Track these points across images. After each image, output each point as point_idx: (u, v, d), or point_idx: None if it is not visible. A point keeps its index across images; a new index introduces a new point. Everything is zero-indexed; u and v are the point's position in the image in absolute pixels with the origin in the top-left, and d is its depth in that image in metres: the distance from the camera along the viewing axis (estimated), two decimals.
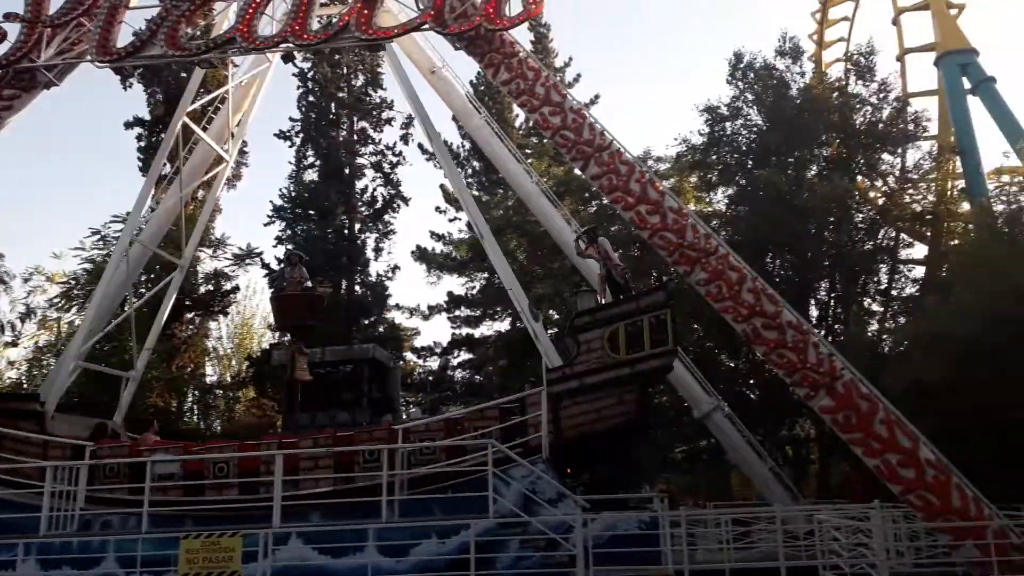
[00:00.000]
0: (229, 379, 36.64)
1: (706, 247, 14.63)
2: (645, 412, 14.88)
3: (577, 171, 22.83)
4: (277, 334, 37.49)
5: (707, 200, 27.62)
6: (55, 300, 30.11)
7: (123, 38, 17.36)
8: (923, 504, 12.80)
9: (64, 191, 74.49)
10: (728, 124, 25.22)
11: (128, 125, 33.38)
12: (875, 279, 24.76)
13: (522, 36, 35.31)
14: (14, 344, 30.06)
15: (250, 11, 16.57)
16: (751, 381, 25.29)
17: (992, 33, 54.76)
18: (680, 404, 22.75)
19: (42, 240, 64.04)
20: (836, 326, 24.05)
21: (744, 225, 23.82)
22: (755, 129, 25.12)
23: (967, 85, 27.58)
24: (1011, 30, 67.77)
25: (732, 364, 25.36)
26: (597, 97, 35.10)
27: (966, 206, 24.70)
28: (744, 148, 24.91)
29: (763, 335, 14.04)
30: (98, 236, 29.37)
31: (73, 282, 29.42)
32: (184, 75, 32.71)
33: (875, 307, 25.18)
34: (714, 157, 25.37)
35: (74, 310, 29.70)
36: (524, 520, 12.23)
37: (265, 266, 34.09)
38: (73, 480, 13.19)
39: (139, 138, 33.42)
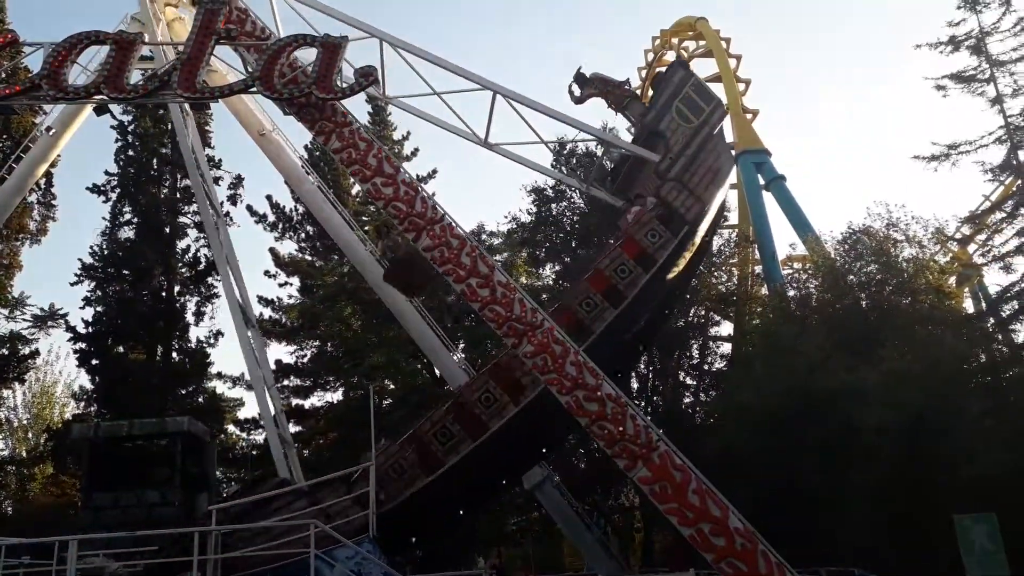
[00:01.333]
0: (24, 454, 32.88)
1: (532, 321, 14.92)
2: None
3: None
4: (82, 404, 34.22)
5: (537, 274, 28.58)
6: None
7: None
8: (734, 571, 13.36)
9: None
10: (554, 205, 26.63)
11: None
12: (688, 354, 26.43)
13: (361, 108, 35.51)
14: None
15: (59, 58, 15.39)
16: (580, 451, 25.89)
17: (781, 135, 61.66)
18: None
19: None
20: (655, 398, 25.30)
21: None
22: (578, 212, 26.59)
23: (761, 181, 30.62)
24: (797, 134, 76.60)
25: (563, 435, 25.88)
26: (435, 171, 35.42)
27: (764, 290, 27.06)
28: (568, 228, 26.28)
29: (585, 407, 14.37)
30: None
31: None
32: None
33: (688, 380, 26.80)
34: (541, 236, 26.52)
35: None
36: None
37: (70, 328, 31.14)
38: None
39: None
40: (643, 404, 24.03)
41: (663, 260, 17.02)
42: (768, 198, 30.74)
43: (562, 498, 19.64)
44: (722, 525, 13.66)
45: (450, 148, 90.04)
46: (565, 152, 26.87)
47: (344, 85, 15.75)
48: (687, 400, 25.97)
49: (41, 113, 21.25)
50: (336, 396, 31.81)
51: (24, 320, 30.27)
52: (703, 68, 34.74)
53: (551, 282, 27.55)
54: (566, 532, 21.00)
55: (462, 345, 25.88)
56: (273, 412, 19.49)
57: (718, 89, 33.37)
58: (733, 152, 23.42)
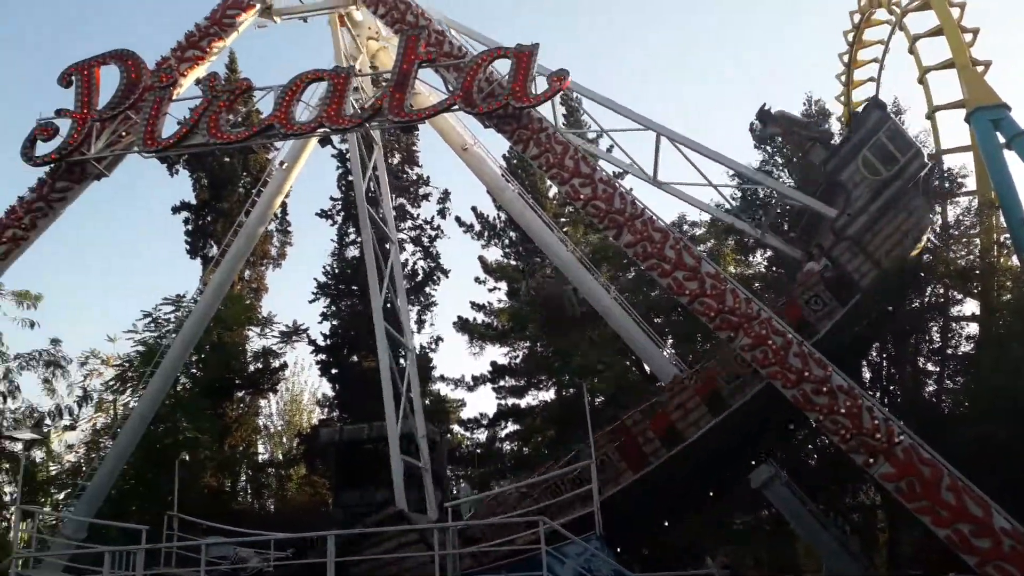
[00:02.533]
0: (280, 457, 36.77)
1: (747, 312, 14.29)
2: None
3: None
4: (326, 410, 37.92)
5: (747, 263, 27.29)
6: (110, 383, 30.79)
7: (168, 128, 18.00)
8: None
9: (116, 275, 77.12)
10: (760, 188, 25.19)
11: (175, 210, 34.66)
12: (927, 338, 23.91)
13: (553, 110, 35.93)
14: (72, 428, 30.65)
15: (287, 99, 17.12)
16: (809, 447, 24.38)
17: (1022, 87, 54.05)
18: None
19: (98, 324, 66.14)
20: (891, 388, 23.17)
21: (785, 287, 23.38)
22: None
23: (1001, 139, 27.04)
24: None
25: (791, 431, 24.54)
26: (633, 164, 35.07)
27: (1015, 260, 23.90)
28: (779, 210, 24.75)
29: (814, 401, 13.55)
30: (149, 319, 30.18)
31: (127, 365, 30.09)
32: (227, 160, 34.24)
33: (930, 367, 24.24)
34: (748, 221, 25.19)
35: (128, 392, 30.33)
36: None
37: (312, 342, 34.55)
38: None
39: (186, 222, 34.66)
40: (878, 395, 22.08)
41: (824, 332, 15.41)
42: (1011, 157, 27.12)
43: (793, 496, 18.54)
44: (985, 525, 12.31)
45: (645, 141, 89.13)
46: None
47: (538, 92, 16.08)
48: (930, 388, 23.45)
49: (273, 149, 23.77)
50: (549, 395, 32.52)
51: (273, 336, 34.03)
52: (921, 23, 31.43)
53: (763, 269, 26.18)
54: (799, 532, 19.80)
55: (671, 340, 25.38)
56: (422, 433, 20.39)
57: (939, 43, 30.05)
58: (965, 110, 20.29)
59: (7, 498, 26.76)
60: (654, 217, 15.34)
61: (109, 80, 18.39)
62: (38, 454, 28.87)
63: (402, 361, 34.91)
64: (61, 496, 27.79)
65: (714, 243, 27.65)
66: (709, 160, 17.99)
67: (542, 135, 16.25)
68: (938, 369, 24.48)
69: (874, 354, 23.60)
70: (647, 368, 25.21)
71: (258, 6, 19.92)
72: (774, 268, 25.35)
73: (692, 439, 15.01)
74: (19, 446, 24.76)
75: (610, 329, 21.91)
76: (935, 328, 24.27)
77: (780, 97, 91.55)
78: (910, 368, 23.81)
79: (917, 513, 12.91)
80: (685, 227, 27.89)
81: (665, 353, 21.11)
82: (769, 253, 25.84)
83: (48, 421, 28.44)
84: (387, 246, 22.69)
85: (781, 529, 24.06)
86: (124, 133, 18.05)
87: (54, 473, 28.90)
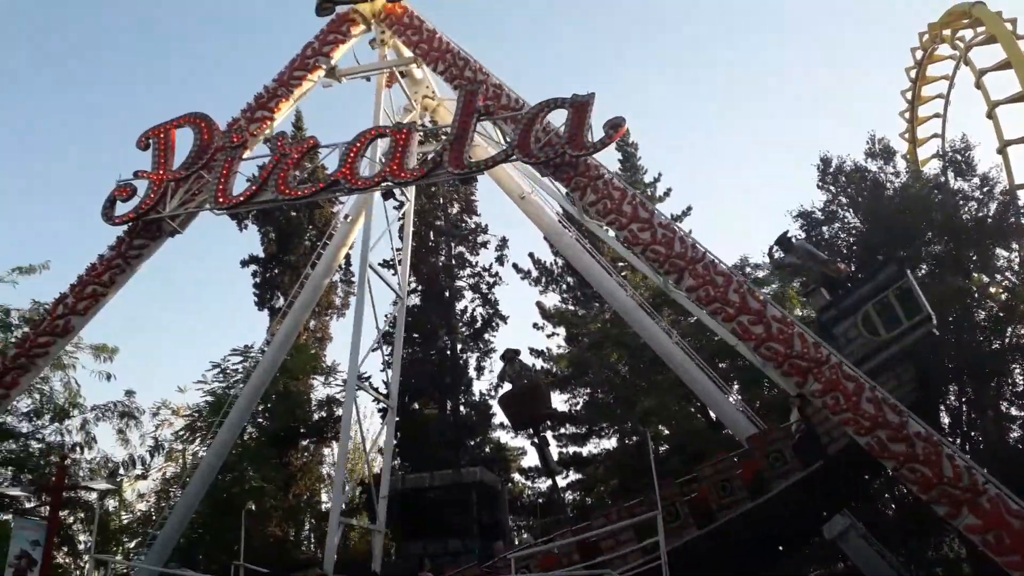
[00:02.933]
0: (343, 506, 36.87)
1: (816, 356, 13.90)
2: (927, 390, 14.61)
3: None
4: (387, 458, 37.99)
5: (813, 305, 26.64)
6: (180, 433, 31.58)
7: (238, 185, 18.69)
8: None
9: (187, 327, 79.70)
10: (825, 228, 24.77)
11: (244, 263, 35.76)
12: (1009, 381, 22.83)
13: (611, 155, 36.15)
14: (143, 477, 31.45)
15: (351, 155, 17.68)
16: (886, 496, 23.35)
17: None
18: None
19: (169, 375, 68.20)
20: (972, 434, 22.10)
21: None
22: (854, 231, 24.45)
23: None
24: None
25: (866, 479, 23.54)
26: (689, 209, 35.03)
27: None
28: (845, 251, 24.22)
29: (890, 448, 12.97)
30: (218, 369, 30.98)
31: (196, 415, 30.85)
32: (294, 214, 35.36)
33: (1014, 411, 23.07)
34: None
35: (197, 442, 31.05)
36: None
37: (374, 389, 34.87)
38: None
39: (254, 274, 35.70)
40: (959, 441, 21.08)
41: (773, 493, 14.41)
42: None
43: (870, 549, 17.71)
44: None
45: (703, 183, 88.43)
46: (832, 170, 25.04)
47: (595, 140, 16.22)
48: (1014, 434, 22.30)
49: (338, 203, 24.47)
50: (611, 443, 32.03)
51: (337, 385, 34.44)
52: (986, 57, 30.78)
53: None
54: None
55: (736, 386, 24.80)
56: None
57: (1008, 77, 29.39)
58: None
59: (81, 546, 27.44)
60: (716, 260, 15.15)
61: (183, 141, 19.33)
62: (111, 503, 29.64)
63: (461, 409, 35.14)
64: (132, 545, 28.42)
65: (779, 285, 27.11)
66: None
67: (599, 182, 16.34)
68: (1022, 413, 23.30)
69: (952, 399, 22.65)
70: (712, 415, 24.68)
71: (323, 68, 20.73)
72: None
73: (774, 492, 14.47)
74: (94, 496, 25.44)
75: (673, 375, 21.59)
76: (1017, 370, 23.19)
77: (843, 137, 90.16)
78: (992, 413, 22.71)
79: (1008, 568, 12.14)
80: (748, 269, 27.48)
81: (731, 399, 20.63)
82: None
83: (121, 471, 29.21)
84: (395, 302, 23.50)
85: None
86: (197, 192, 18.82)
87: (126, 522, 29.59)
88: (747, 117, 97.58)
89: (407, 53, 21.34)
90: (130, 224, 18.77)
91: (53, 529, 12.32)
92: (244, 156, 19.03)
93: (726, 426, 20.53)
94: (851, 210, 24.88)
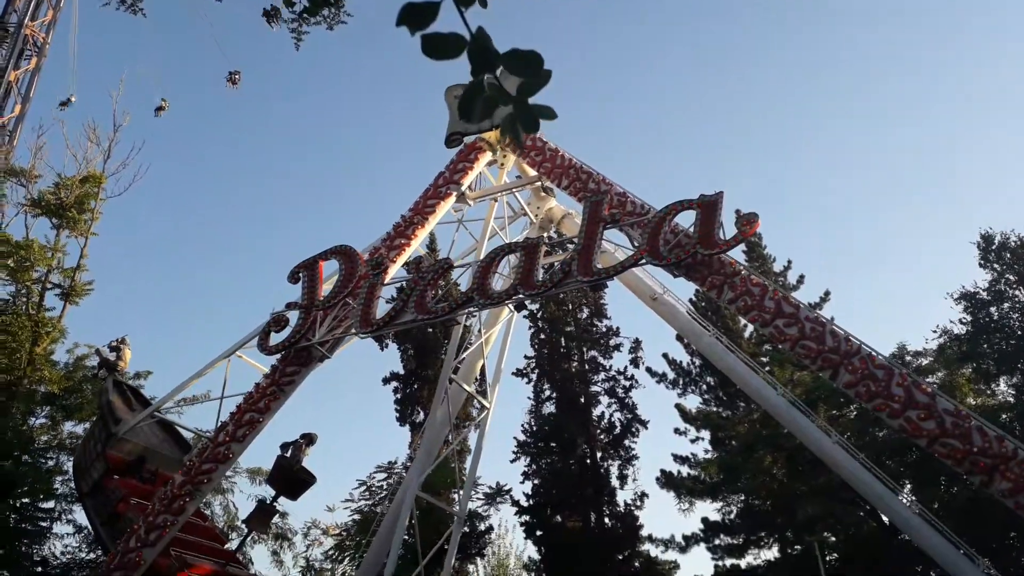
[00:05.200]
0: None
1: (1001, 452, 12.55)
2: None
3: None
4: (532, 574, 37.09)
5: (988, 393, 24.28)
6: (330, 552, 32.19)
7: (380, 309, 19.61)
8: None
9: (335, 445, 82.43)
10: (992, 309, 22.87)
11: (385, 380, 37.08)
12: None
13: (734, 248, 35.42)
14: None
15: (483, 272, 18.22)
16: None
17: None
18: None
19: (319, 493, 70.30)
20: None
21: None
22: None
23: None
24: None
25: None
26: (827, 294, 33.35)
27: None
28: (1020, 332, 22.19)
29: None
30: (364, 487, 31.65)
31: (344, 534, 31.43)
32: (430, 331, 36.53)
33: None
34: (985, 346, 22.69)
35: (346, 560, 31.50)
36: None
37: (515, 503, 34.45)
38: None
39: (395, 391, 36.86)
40: None
41: None
42: None
43: None
44: None
45: (836, 266, 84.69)
46: (994, 247, 23.37)
47: (727, 237, 15.94)
48: None
49: (471, 317, 25.04)
50: (772, 553, 29.76)
51: (478, 499, 34.35)
52: None
53: (1011, 399, 23.11)
54: None
55: (909, 486, 22.66)
56: None
57: None
58: None
59: None
60: (873, 352, 14.21)
61: (329, 272, 20.61)
62: None
63: (606, 520, 33.90)
64: None
65: (945, 374, 24.98)
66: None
67: (736, 279, 15.93)
68: None
69: None
70: (885, 519, 22.55)
71: (455, 194, 21.82)
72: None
73: None
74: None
75: (835, 477, 20.02)
76: None
77: (994, 210, 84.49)
78: None
79: None
80: (908, 358, 25.58)
81: (903, 500, 18.78)
82: (1015, 380, 22.92)
83: None
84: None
85: None
86: (343, 318, 19.84)
87: None
88: (882, 194, 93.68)
89: (531, 172, 22.16)
90: (283, 352, 19.90)
91: None
92: (385, 282, 19.98)
93: (901, 530, 18.63)
94: (1021, 288, 22.91)
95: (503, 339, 24.84)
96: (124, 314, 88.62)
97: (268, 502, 21.20)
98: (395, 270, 20.80)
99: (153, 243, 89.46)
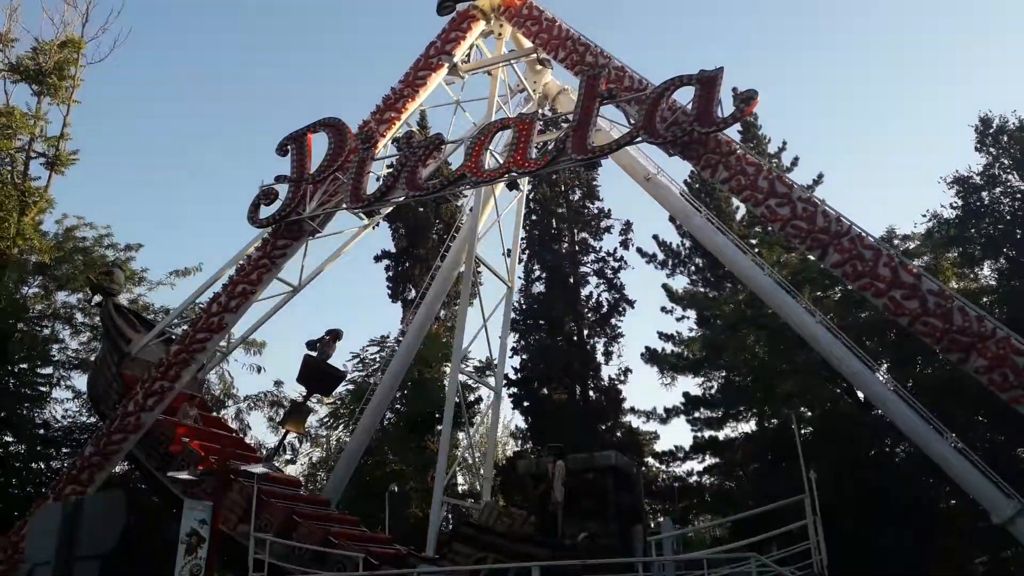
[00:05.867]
0: (478, 488, 37.86)
1: (980, 331, 12.91)
2: None
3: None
4: (519, 442, 38.73)
5: (971, 276, 24.61)
6: (325, 420, 33.34)
7: (370, 185, 19.38)
8: None
9: (328, 320, 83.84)
10: (985, 193, 22.74)
11: (377, 258, 37.26)
12: None
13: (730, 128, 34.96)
14: (293, 462, 33.46)
15: (476, 149, 17.92)
16: None
17: None
18: (974, 508, 19.70)
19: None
20: None
21: (1022, 300, 20.82)
22: (1019, 196, 22.32)
23: None
24: None
25: None
26: (820, 177, 33.29)
27: None
28: (1009, 217, 22.21)
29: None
30: (357, 359, 32.43)
31: (339, 403, 32.45)
32: (421, 210, 36.37)
33: None
34: (973, 230, 22.76)
35: (341, 428, 32.73)
36: None
37: (504, 376, 35.47)
38: None
39: (387, 269, 37.12)
40: None
41: None
42: None
43: None
44: None
45: (833, 148, 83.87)
46: (992, 130, 22.95)
47: (724, 115, 15.64)
48: None
49: (462, 196, 24.89)
50: (749, 426, 31.11)
51: (468, 372, 35.34)
52: None
53: (993, 283, 23.48)
54: None
55: (886, 365, 23.40)
56: None
57: None
58: None
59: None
60: (863, 233, 14.31)
61: (319, 146, 20.25)
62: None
63: (591, 393, 35.07)
64: None
65: (931, 257, 25.22)
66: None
67: (731, 158, 15.75)
68: None
69: None
70: (860, 395, 23.44)
71: (446, 66, 21.09)
72: (1009, 281, 22.63)
73: None
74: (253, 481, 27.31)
75: (815, 355, 20.63)
76: None
77: (998, 92, 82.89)
78: None
79: (1011, 403, 12.65)
80: (896, 241, 25.73)
81: (880, 377, 19.46)
82: (998, 265, 23.18)
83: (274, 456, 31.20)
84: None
85: None
86: (333, 193, 19.66)
87: None
88: (881, 77, 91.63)
89: (526, 44, 21.36)
90: (273, 226, 19.84)
91: (218, 510, 13.29)
92: (375, 156, 19.67)
93: (876, 407, 19.42)
94: (1015, 173, 22.73)
95: (516, 212, 24.66)
96: (111, 185, 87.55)
97: (301, 400, 21.57)
98: (386, 145, 20.43)
99: (138, 111, 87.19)
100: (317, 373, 20.70)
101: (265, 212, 19.95)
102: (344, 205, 19.28)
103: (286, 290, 20.12)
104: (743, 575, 12.21)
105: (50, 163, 28.02)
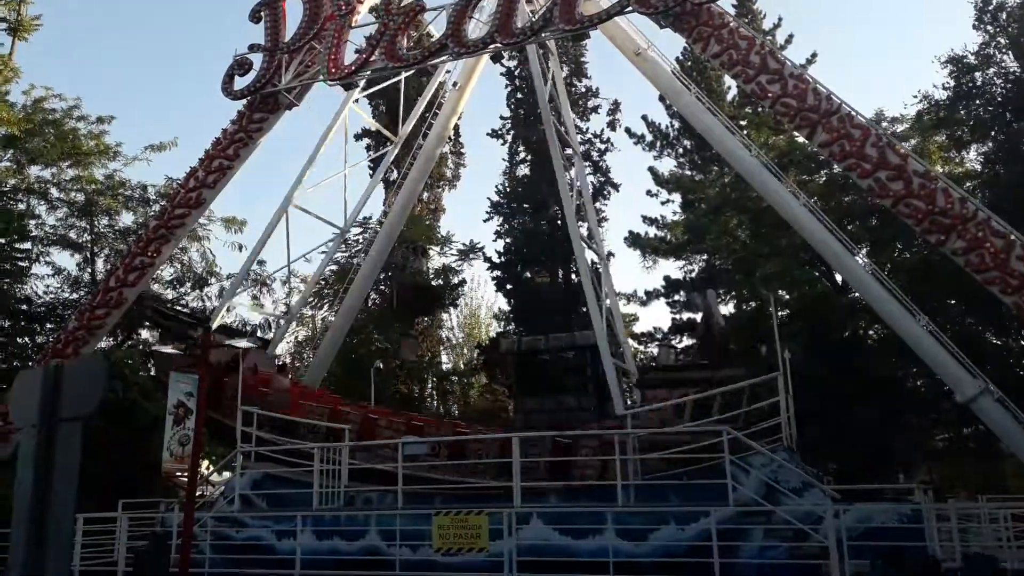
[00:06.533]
0: (462, 366, 38.80)
1: (962, 213, 12.94)
2: None
3: (802, 140, 21.25)
4: (502, 323, 39.36)
5: (957, 160, 24.40)
6: (310, 300, 33.49)
7: (347, 57, 18.68)
8: None
9: (305, 200, 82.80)
10: (978, 74, 22.15)
11: (358, 137, 36.28)
12: None
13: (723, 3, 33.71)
14: (279, 340, 33.83)
15: (458, 17, 17.14)
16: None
17: None
18: (939, 387, 20.45)
19: (294, 246, 71.52)
20: None
21: (1006, 185, 20.78)
22: (1012, 77, 21.78)
23: None
24: None
25: (1000, 342, 22.28)
26: (815, 55, 32.36)
27: None
28: (1000, 99, 21.77)
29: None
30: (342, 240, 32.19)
31: (323, 282, 32.52)
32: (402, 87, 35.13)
33: None
34: (963, 112, 22.31)
35: (325, 307, 32.96)
36: (768, 509, 11.62)
37: (487, 259, 35.59)
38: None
39: (367, 148, 36.25)
40: None
41: None
42: None
43: (1006, 412, 16.90)
44: None
45: (829, 24, 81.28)
46: (991, 7, 22.09)
47: None
48: None
49: (445, 72, 24.00)
50: (728, 309, 31.61)
51: (451, 255, 35.41)
52: None
53: (978, 167, 23.32)
54: (1015, 450, 18.17)
55: (865, 249, 23.58)
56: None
57: None
58: None
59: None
60: (852, 113, 14.05)
61: (294, 12, 19.31)
62: None
63: (572, 276, 35.33)
64: None
65: (919, 140, 24.94)
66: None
67: (723, 31, 15.20)
68: None
69: None
70: (838, 278, 23.75)
71: None
72: (993, 165, 22.53)
73: None
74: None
75: (796, 238, 20.71)
76: None
77: None
78: None
79: (986, 284, 12.98)
80: (885, 124, 25.32)
81: (859, 260, 19.64)
82: (985, 149, 22.97)
83: (259, 334, 31.50)
84: (571, 158, 22.45)
85: (988, 447, 22.40)
86: (310, 63, 18.92)
87: None
88: None
89: None
90: (249, 98, 19.19)
91: (204, 382, 13.49)
92: (352, 24, 18.82)
93: (854, 289, 19.71)
94: (1010, 53, 22.10)
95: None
96: (79, 53, 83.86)
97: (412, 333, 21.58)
98: (364, 12, 19.49)
99: None
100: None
101: (240, 83, 19.28)
102: (321, 77, 18.62)
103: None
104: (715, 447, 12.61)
105: (12, 29, 26.63)
